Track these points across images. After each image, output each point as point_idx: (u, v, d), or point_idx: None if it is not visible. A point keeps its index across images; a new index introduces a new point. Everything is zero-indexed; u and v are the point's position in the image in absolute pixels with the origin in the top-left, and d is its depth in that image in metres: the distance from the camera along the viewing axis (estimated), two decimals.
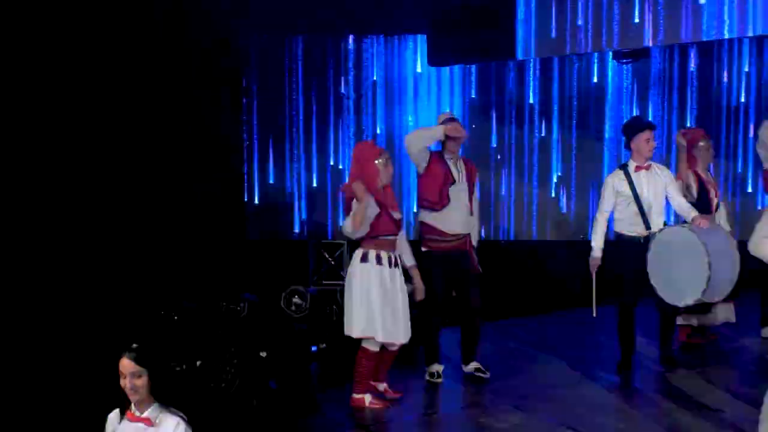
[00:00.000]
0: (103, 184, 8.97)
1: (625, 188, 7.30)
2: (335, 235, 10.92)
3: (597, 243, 7.38)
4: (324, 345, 8.12)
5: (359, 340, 6.77)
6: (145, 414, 4.18)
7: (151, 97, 9.38)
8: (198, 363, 6.08)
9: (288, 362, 7.16)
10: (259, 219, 11.39)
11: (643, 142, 7.30)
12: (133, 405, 4.18)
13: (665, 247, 6.86)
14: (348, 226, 6.70)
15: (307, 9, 9.92)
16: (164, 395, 4.24)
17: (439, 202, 7.25)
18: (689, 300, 6.73)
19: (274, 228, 11.42)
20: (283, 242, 11.18)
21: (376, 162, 6.75)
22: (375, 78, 11.34)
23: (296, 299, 8.41)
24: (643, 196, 7.28)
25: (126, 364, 4.18)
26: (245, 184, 11.28)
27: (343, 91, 11.32)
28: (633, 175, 7.31)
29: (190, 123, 9.68)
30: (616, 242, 7.43)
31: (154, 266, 8.91)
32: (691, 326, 8.25)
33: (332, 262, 9.46)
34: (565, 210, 11.38)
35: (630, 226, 7.31)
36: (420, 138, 7.34)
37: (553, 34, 8.90)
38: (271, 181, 11.49)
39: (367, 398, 6.78)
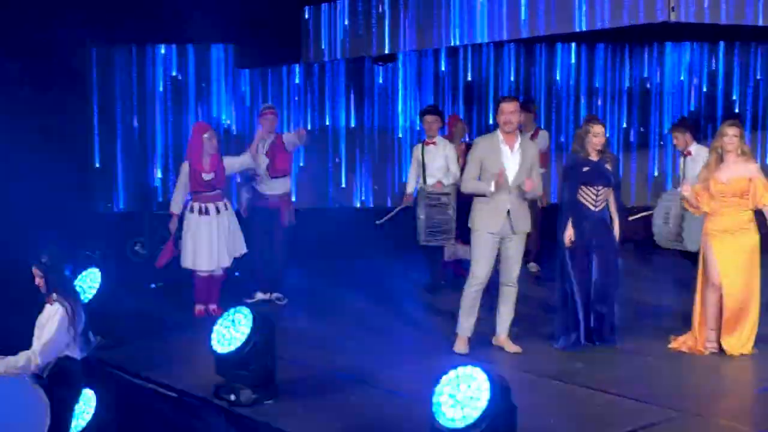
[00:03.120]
0: None
1: (419, 156, 9.84)
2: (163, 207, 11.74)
3: (409, 188, 10.00)
4: (161, 284, 10.35)
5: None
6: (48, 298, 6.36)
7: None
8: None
9: None
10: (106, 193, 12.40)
11: (427, 123, 9.90)
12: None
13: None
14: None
15: (133, 23, 11.31)
16: (57, 290, 6.39)
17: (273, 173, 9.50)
18: (421, 241, 9.46)
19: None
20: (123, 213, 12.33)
21: (204, 136, 8.96)
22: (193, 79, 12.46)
23: (138, 248, 10.56)
24: (427, 162, 9.77)
25: (34, 271, 6.37)
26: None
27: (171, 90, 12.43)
28: (425, 147, 9.86)
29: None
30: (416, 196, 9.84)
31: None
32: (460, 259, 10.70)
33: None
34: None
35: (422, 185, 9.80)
36: None
37: (327, 42, 10.38)
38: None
39: (198, 308, 9.03)
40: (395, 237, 10.62)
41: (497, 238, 7.57)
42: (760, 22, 8.06)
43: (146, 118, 12.33)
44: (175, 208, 9.15)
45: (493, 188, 7.44)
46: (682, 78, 13.33)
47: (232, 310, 6.80)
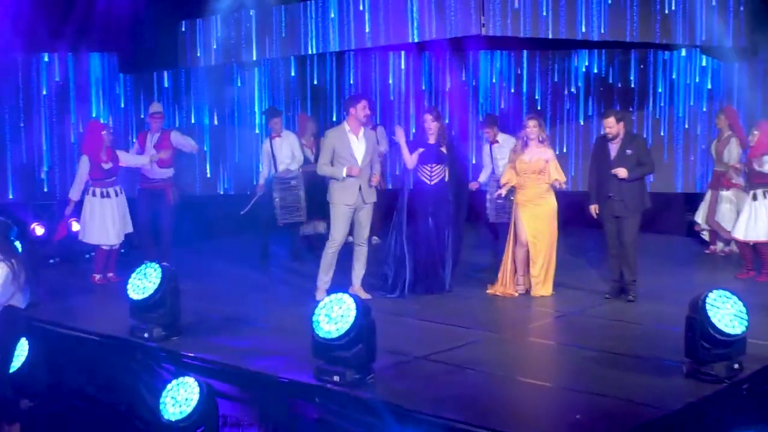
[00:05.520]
0: None
1: (268, 149, 11.62)
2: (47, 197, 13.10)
3: (261, 179, 11.67)
4: (58, 259, 11.79)
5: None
6: None
7: None
8: None
9: None
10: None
11: (272, 122, 11.68)
12: None
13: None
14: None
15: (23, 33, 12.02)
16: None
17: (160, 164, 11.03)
18: (280, 222, 11.30)
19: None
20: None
21: (102, 133, 10.52)
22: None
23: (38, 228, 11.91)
24: (276, 153, 11.55)
25: None
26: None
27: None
28: (272, 141, 11.63)
29: None
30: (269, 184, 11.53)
31: None
32: (320, 233, 12.41)
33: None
34: None
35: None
36: None
37: (201, 50, 11.93)
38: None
39: (97, 277, 10.60)
40: (257, 218, 12.14)
41: (352, 209, 9.44)
42: (552, 35, 10.27)
43: (33, 119, 13.30)
44: (75, 195, 10.58)
45: (344, 175, 9.27)
46: (493, 81, 15.50)
47: (143, 266, 8.43)
